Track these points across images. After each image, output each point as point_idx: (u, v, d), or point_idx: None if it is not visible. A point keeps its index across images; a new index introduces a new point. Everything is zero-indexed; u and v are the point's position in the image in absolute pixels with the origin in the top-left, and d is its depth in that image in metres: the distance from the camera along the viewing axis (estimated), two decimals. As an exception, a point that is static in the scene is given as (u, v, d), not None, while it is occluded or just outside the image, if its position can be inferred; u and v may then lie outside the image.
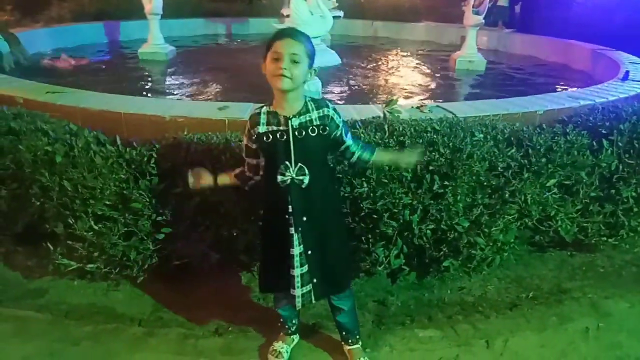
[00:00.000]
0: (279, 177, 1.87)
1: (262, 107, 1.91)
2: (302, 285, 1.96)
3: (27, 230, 2.77)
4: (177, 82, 6.54)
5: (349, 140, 2.00)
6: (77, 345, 2.33)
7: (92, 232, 2.42)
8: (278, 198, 1.91)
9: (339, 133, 1.94)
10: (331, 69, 7.02)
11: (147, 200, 2.45)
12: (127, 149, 2.56)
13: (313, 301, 2.03)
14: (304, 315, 2.50)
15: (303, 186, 1.88)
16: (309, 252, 1.94)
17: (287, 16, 5.48)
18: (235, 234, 2.53)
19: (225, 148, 2.58)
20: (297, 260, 1.93)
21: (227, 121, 3.28)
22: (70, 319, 2.51)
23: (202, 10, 11.22)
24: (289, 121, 1.84)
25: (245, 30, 11.22)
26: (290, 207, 1.89)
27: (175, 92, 5.98)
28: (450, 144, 2.64)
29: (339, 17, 8.03)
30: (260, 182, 2.04)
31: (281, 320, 2.30)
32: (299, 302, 1.98)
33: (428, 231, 2.54)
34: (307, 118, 1.86)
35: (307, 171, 1.87)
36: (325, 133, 1.88)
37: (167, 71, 7.24)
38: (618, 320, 2.59)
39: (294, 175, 1.86)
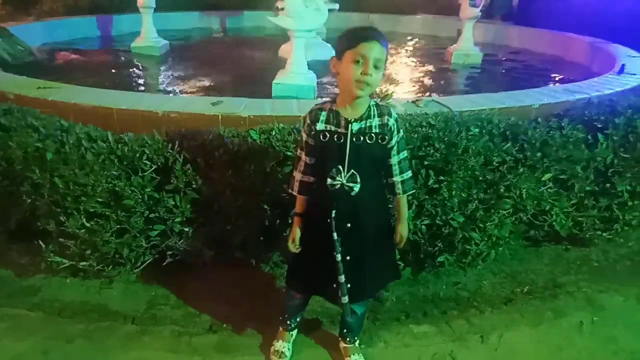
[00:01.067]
0: (329, 180, 1.79)
1: (325, 102, 1.83)
2: (344, 294, 1.91)
3: (20, 228, 2.74)
4: (170, 77, 6.49)
5: (394, 159, 1.88)
6: (71, 342, 2.32)
7: (84, 230, 2.39)
8: (323, 201, 1.84)
9: (389, 146, 1.83)
10: (326, 63, 6.96)
11: (140, 197, 2.43)
12: (119, 145, 2.53)
13: (348, 303, 1.96)
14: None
15: (352, 194, 1.79)
16: (347, 257, 1.88)
17: (282, 9, 5.42)
18: (229, 230, 2.51)
19: (219, 144, 2.55)
20: (341, 268, 1.87)
21: (220, 116, 3.26)
22: (63, 317, 2.49)
23: (196, 3, 11.13)
24: (350, 125, 1.75)
25: (239, 23, 11.14)
26: (334, 212, 1.82)
27: (168, 87, 5.94)
28: (446, 139, 2.63)
29: (335, 9, 7.97)
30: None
31: (285, 316, 2.26)
32: (344, 308, 1.94)
33: (423, 226, 2.53)
34: (368, 124, 1.77)
35: (358, 179, 1.78)
36: (384, 142, 1.79)
37: (160, 65, 7.19)
38: (613, 314, 2.59)
39: (344, 181, 1.78)
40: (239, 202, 2.48)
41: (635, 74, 4.92)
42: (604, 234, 3.00)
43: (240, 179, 2.47)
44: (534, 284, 2.82)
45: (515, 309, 2.61)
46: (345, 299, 1.91)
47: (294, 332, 2.33)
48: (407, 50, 8.90)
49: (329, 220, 1.83)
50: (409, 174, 1.95)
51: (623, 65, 5.23)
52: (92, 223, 2.40)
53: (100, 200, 2.40)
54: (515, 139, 2.88)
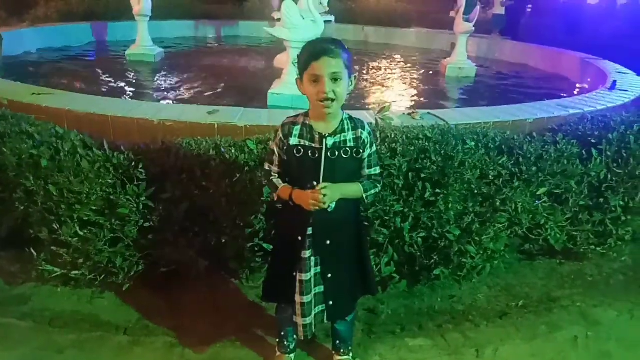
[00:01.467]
0: None
1: (298, 116, 1.79)
2: (315, 305, 1.91)
3: (11, 235, 2.70)
4: (165, 85, 6.49)
5: (364, 171, 1.84)
6: (61, 353, 2.27)
7: (77, 238, 2.36)
8: (298, 218, 1.80)
9: (362, 158, 1.80)
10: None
11: (134, 206, 2.41)
12: (115, 154, 2.51)
13: (326, 320, 1.98)
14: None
15: (329, 209, 1.75)
16: (329, 275, 1.87)
17: (278, 20, 5.45)
18: (224, 241, 2.49)
19: (215, 153, 2.55)
20: (310, 284, 1.86)
21: (216, 125, 3.25)
22: (54, 327, 2.44)
23: (192, 12, 11.17)
24: (324, 140, 1.72)
25: (235, 32, 11.20)
26: (310, 229, 1.80)
27: (163, 95, 5.93)
28: (442, 152, 2.64)
29: (330, 21, 8.04)
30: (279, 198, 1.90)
31: (281, 334, 2.21)
32: (307, 331, 1.93)
33: (419, 239, 2.53)
34: (342, 138, 1.75)
35: None
36: (359, 156, 1.78)
37: (155, 73, 7.18)
38: (607, 328, 2.59)
39: None
40: (234, 212, 2.47)
41: (626, 90, 5.00)
42: (598, 249, 3.02)
43: (236, 190, 2.46)
44: (529, 297, 2.82)
45: (511, 322, 2.61)
46: (306, 320, 1.89)
47: (293, 357, 2.27)
48: (401, 63, 8.97)
49: (300, 238, 1.81)
50: (378, 188, 1.89)
51: (615, 82, 5.31)
52: (85, 231, 2.37)
53: (94, 208, 2.38)
54: (510, 153, 2.90)
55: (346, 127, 1.77)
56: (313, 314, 1.93)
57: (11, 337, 2.35)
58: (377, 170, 1.88)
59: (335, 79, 1.64)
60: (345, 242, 1.90)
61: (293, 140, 1.75)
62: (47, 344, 2.31)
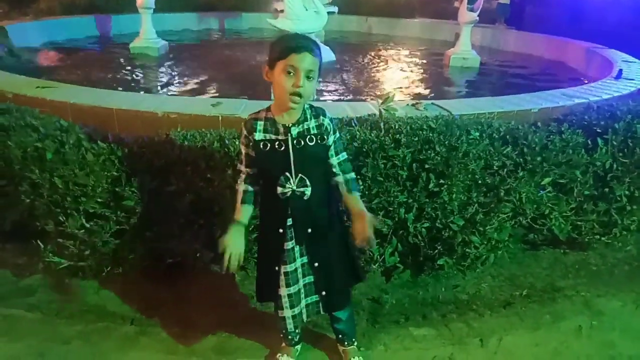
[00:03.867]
0: (279, 189, 1.77)
1: (259, 112, 1.80)
2: (307, 296, 1.92)
3: (17, 228, 2.72)
4: (169, 77, 6.48)
5: (333, 159, 1.84)
6: (68, 344, 2.30)
7: (83, 230, 2.38)
8: (276, 210, 1.82)
9: (328, 144, 1.81)
10: (325, 65, 6.98)
11: (139, 198, 2.42)
12: (120, 146, 2.52)
13: (321, 312, 1.99)
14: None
15: (305, 198, 1.78)
16: (316, 264, 1.89)
17: (281, 11, 5.43)
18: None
19: (220, 145, 2.55)
20: (299, 273, 1.88)
21: (220, 118, 3.26)
22: (60, 318, 2.47)
23: (195, 4, 11.13)
24: (289, 130, 1.73)
25: (238, 25, 11.17)
26: (289, 219, 1.82)
27: (167, 88, 5.93)
28: (446, 142, 2.63)
29: (334, 12, 8.00)
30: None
31: (283, 331, 2.20)
32: (304, 313, 1.95)
33: (423, 229, 2.54)
34: (305, 127, 1.76)
35: (308, 182, 1.76)
36: (324, 142, 1.78)
37: (159, 66, 7.18)
38: (611, 318, 2.59)
39: (294, 187, 1.76)
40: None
41: (632, 79, 4.96)
42: (603, 238, 3.01)
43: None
44: (533, 287, 2.83)
45: (514, 312, 2.61)
46: (295, 311, 1.91)
47: (299, 347, 2.29)
48: (405, 53, 8.92)
49: (281, 230, 1.82)
50: (352, 175, 1.90)
51: (621, 71, 5.26)
52: (91, 223, 2.39)
53: (99, 200, 2.39)
54: (515, 143, 2.89)
55: (308, 116, 1.78)
56: (303, 303, 1.94)
57: (18, 328, 2.38)
58: (344, 155, 1.89)
59: (308, 77, 1.65)
60: (326, 229, 1.90)
61: (258, 136, 1.76)
62: (54, 335, 2.34)
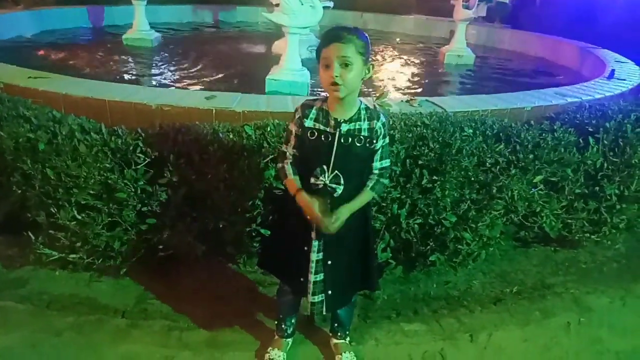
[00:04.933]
0: (312, 180, 1.77)
1: (317, 100, 1.80)
2: (315, 294, 1.92)
3: (8, 219, 2.70)
4: (162, 70, 6.43)
5: (376, 164, 1.85)
6: (59, 336, 2.29)
7: (75, 222, 2.37)
8: None
9: (375, 149, 1.81)
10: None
11: (132, 190, 2.41)
12: (113, 138, 2.51)
13: (324, 312, 1.99)
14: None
15: (335, 195, 1.77)
16: (329, 262, 1.89)
17: (277, 5, 5.40)
18: (222, 226, 2.50)
19: (213, 138, 2.54)
20: (313, 267, 1.88)
21: (214, 111, 3.24)
22: (52, 310, 2.45)
23: (189, -4, 11.03)
24: (339, 125, 1.73)
25: (232, 18, 11.09)
26: None
27: (160, 80, 5.89)
28: (440, 139, 2.65)
29: (329, 7, 7.96)
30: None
31: (280, 317, 2.23)
32: (312, 309, 1.95)
33: (415, 225, 2.55)
34: (357, 126, 1.75)
35: (342, 180, 1.76)
36: (371, 146, 1.78)
37: (152, 58, 7.11)
38: (599, 315, 2.63)
39: (327, 182, 1.75)
40: (232, 197, 2.47)
41: (624, 79, 4.99)
42: (592, 236, 3.05)
43: (234, 175, 2.46)
44: (523, 284, 2.86)
45: (505, 308, 2.64)
46: (315, 298, 1.92)
47: (290, 341, 2.29)
48: (400, 50, 8.92)
49: (309, 217, 1.82)
50: (387, 182, 1.92)
51: (613, 71, 5.30)
52: (83, 215, 2.37)
53: (92, 192, 2.38)
54: (508, 140, 2.91)
55: (362, 116, 1.77)
56: (319, 295, 1.93)
57: (9, 320, 2.37)
58: (387, 162, 1.90)
59: (345, 64, 1.64)
60: (352, 231, 1.89)
61: (308, 123, 1.77)
62: (45, 327, 2.33)
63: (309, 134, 1.76)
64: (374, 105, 2.94)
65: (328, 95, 1.77)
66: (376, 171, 1.86)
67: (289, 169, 1.87)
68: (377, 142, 1.80)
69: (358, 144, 1.76)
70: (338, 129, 1.74)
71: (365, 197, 1.87)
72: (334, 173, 1.75)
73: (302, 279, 1.93)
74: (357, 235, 1.95)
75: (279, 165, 1.91)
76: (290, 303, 2.20)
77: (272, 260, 2.10)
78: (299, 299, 2.22)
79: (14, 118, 2.68)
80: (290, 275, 2.00)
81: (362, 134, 1.76)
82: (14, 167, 2.51)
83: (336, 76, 1.63)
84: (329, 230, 1.77)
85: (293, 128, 1.83)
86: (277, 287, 2.23)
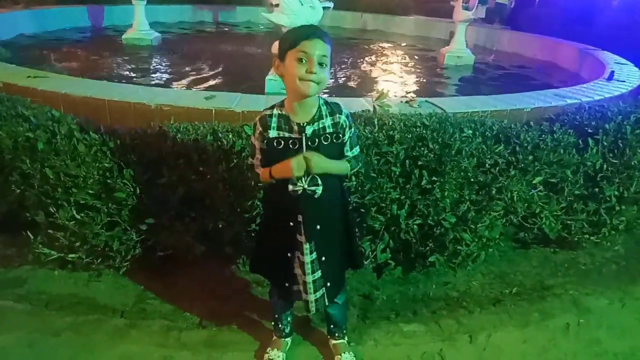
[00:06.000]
0: (290, 187, 1.73)
1: (273, 108, 1.76)
2: (315, 291, 1.92)
3: (7, 218, 2.69)
4: (162, 69, 6.44)
5: (348, 153, 1.83)
6: (58, 336, 2.28)
7: (74, 222, 2.36)
8: (286, 205, 1.80)
9: (344, 141, 1.80)
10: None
11: (131, 190, 2.41)
12: (112, 137, 2.50)
13: (326, 303, 1.99)
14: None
15: (316, 196, 1.75)
16: (323, 258, 1.89)
17: (276, 5, 5.40)
18: (220, 226, 2.50)
19: (212, 139, 2.54)
20: (309, 268, 1.87)
21: (214, 111, 3.24)
22: (50, 310, 2.44)
23: (189, -4, 11.05)
24: (303, 129, 1.70)
25: (232, 18, 11.11)
26: (300, 216, 1.80)
27: (160, 80, 5.89)
28: (440, 140, 2.64)
29: (329, 8, 7.96)
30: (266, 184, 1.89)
31: (275, 317, 2.23)
32: (312, 307, 1.95)
33: (415, 226, 2.54)
34: (321, 125, 1.73)
35: (319, 181, 1.73)
36: (339, 141, 1.77)
37: (152, 58, 7.12)
38: (598, 316, 2.63)
39: (305, 186, 1.73)
40: (231, 197, 2.47)
41: (623, 81, 5.00)
42: (592, 238, 3.04)
43: (233, 175, 2.46)
44: (522, 285, 2.85)
45: (504, 309, 2.64)
46: (316, 295, 1.92)
47: (289, 340, 2.29)
48: (399, 50, 8.93)
49: (292, 223, 1.81)
50: (359, 166, 1.92)
51: (612, 72, 5.31)
52: (82, 215, 2.37)
53: (91, 192, 2.37)
54: (507, 141, 2.91)
55: (323, 113, 1.75)
56: (319, 291, 1.94)
57: (7, 320, 2.36)
58: (357, 149, 1.88)
59: (321, 63, 1.62)
60: (335, 224, 1.91)
61: (272, 133, 1.73)
62: (43, 327, 2.32)
63: (275, 144, 1.73)
64: (373, 106, 2.94)
65: (289, 96, 1.73)
66: (349, 157, 1.85)
67: (259, 169, 1.84)
68: (344, 135, 1.78)
69: (325, 142, 1.73)
70: (303, 133, 1.71)
71: (342, 163, 1.82)
72: (310, 176, 1.72)
73: (287, 284, 1.93)
74: (340, 225, 1.96)
75: (252, 173, 1.88)
76: (284, 303, 2.19)
77: (262, 264, 2.09)
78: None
79: (12, 117, 2.67)
80: (278, 279, 2.00)
81: (327, 131, 1.74)
82: (13, 167, 2.50)
83: (314, 73, 1.60)
84: (312, 167, 1.67)
85: (256, 143, 1.80)
86: (269, 290, 2.23)
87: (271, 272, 2.06)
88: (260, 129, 1.75)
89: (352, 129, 1.83)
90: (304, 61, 1.60)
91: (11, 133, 2.54)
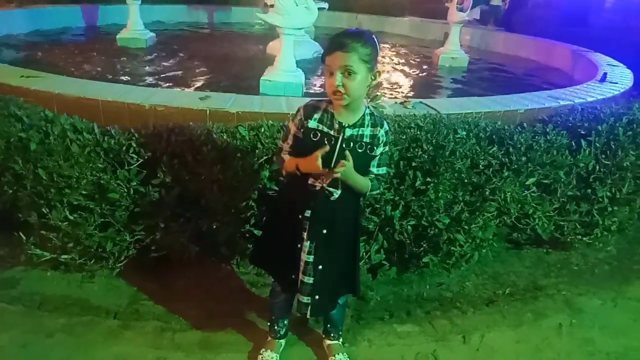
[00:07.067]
0: (310, 180, 1.75)
1: (322, 101, 1.77)
2: (303, 294, 1.91)
3: (-1, 219, 2.68)
4: (156, 70, 6.41)
5: (373, 169, 1.83)
6: (51, 337, 2.27)
7: (67, 222, 2.35)
8: (299, 199, 1.81)
9: (375, 154, 1.80)
10: (314, 61, 6.98)
11: (125, 190, 2.40)
12: (105, 138, 2.49)
13: (308, 315, 1.96)
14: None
15: (332, 198, 1.77)
16: (320, 267, 1.87)
17: (271, 6, 5.40)
18: (215, 227, 2.49)
19: (207, 139, 2.53)
20: (308, 269, 1.87)
21: (208, 111, 3.24)
22: (43, 311, 2.43)
23: (185, -4, 11.02)
24: (343, 129, 1.72)
25: (227, 18, 11.09)
26: (308, 212, 1.80)
27: (154, 80, 5.86)
28: (433, 141, 2.66)
29: (324, 9, 7.98)
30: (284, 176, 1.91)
31: (272, 319, 2.22)
32: (299, 308, 1.94)
33: (409, 227, 2.55)
34: (360, 132, 1.74)
35: (339, 184, 1.76)
36: (371, 153, 1.77)
37: (146, 58, 7.09)
38: (590, 316, 2.65)
39: (325, 184, 1.75)
40: (226, 198, 2.47)
41: (616, 83, 5.04)
42: (584, 239, 3.07)
43: (228, 176, 2.46)
44: (515, 285, 2.87)
45: (497, 310, 2.65)
46: (303, 299, 1.91)
47: (283, 342, 2.28)
48: (394, 52, 8.95)
49: (300, 216, 1.82)
50: (381, 186, 1.93)
51: (605, 74, 5.35)
52: (75, 216, 2.36)
53: (84, 192, 2.36)
54: (501, 143, 2.92)
55: (366, 122, 1.76)
56: (308, 298, 1.92)
57: (0, 321, 2.34)
58: (384, 170, 1.88)
59: (348, 73, 1.62)
60: (342, 236, 1.89)
61: (312, 123, 1.74)
62: (36, 328, 2.31)
63: (311, 135, 1.74)
64: (367, 107, 2.94)
65: None
66: (372, 176, 1.85)
67: (285, 157, 1.84)
68: (377, 148, 1.79)
69: (359, 150, 1.74)
70: (342, 133, 1.72)
71: (365, 180, 1.81)
72: (334, 177, 1.73)
73: (293, 276, 1.92)
74: (348, 240, 1.95)
75: (276, 158, 1.89)
76: (283, 304, 2.18)
77: (264, 256, 2.10)
78: (291, 301, 2.20)
79: (5, 117, 2.66)
80: (282, 271, 1.99)
81: (364, 140, 1.75)
82: (5, 167, 2.49)
83: (338, 85, 1.62)
84: (342, 166, 1.66)
85: (292, 127, 1.81)
86: (270, 288, 2.22)
87: (276, 264, 2.03)
88: (302, 116, 1.76)
89: (387, 147, 1.84)
90: (331, 74, 1.64)
91: (4, 133, 2.52)
